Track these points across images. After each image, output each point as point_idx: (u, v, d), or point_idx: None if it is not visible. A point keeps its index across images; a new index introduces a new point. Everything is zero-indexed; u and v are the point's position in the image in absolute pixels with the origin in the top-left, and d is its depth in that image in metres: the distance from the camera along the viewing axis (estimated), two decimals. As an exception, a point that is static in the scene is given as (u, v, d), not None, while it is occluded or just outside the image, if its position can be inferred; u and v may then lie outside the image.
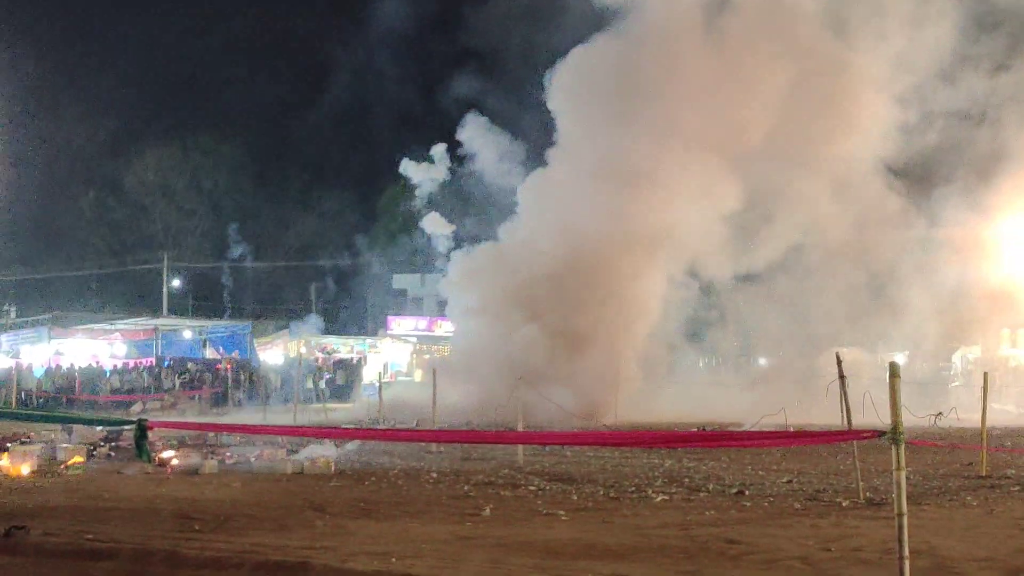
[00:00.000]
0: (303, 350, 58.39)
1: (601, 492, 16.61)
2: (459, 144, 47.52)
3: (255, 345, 55.08)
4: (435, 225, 50.99)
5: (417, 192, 52.38)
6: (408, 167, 51.62)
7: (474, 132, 46.26)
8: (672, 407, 37.82)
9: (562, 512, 14.45)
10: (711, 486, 17.42)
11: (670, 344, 44.46)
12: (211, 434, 24.65)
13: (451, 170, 51.08)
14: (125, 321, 55.26)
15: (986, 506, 15.17)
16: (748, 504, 15.48)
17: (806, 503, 15.55)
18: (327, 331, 65.24)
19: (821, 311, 43.97)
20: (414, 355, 64.22)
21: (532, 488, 17.03)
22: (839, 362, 16.72)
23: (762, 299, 44.53)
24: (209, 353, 54.50)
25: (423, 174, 51.54)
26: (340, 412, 38.86)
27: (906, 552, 8.52)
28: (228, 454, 21.27)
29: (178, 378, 47.25)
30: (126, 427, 17.21)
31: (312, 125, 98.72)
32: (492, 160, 45.79)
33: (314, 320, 64.52)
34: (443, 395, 27.06)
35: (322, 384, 45.85)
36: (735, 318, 47.80)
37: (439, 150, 51.16)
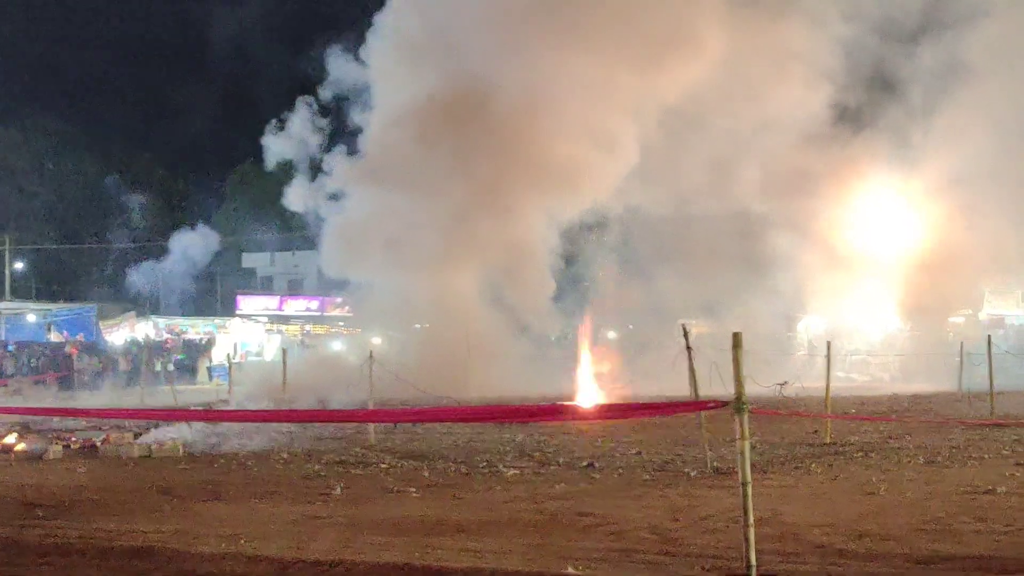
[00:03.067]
0: (151, 332, 57.52)
1: (452, 468, 16.65)
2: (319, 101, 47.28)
3: (101, 327, 54.11)
4: (299, 198, 49.32)
5: (277, 163, 50.69)
6: (269, 140, 50.09)
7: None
8: (522, 381, 37.96)
9: (413, 489, 14.46)
10: (562, 459, 17.56)
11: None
12: (56, 419, 24.18)
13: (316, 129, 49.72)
14: (-35, 305, 53.91)
15: (830, 473, 15.51)
16: (598, 476, 15.63)
17: (655, 474, 15.75)
18: (175, 312, 64.27)
19: (670, 283, 44.61)
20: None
21: (384, 466, 17.00)
22: (685, 334, 16.97)
23: (613, 270, 45.01)
24: (54, 337, 53.41)
25: (283, 143, 49.83)
26: (189, 394, 38.28)
27: (751, 520, 8.67)
28: (74, 439, 20.90)
29: (23, 363, 46.20)
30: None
31: (160, 106, 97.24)
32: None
33: (162, 301, 63.58)
34: (297, 374, 26.96)
35: (170, 366, 45.21)
36: (590, 289, 48.21)
37: (300, 111, 49.65)
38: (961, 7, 41.07)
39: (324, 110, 48.59)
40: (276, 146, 48.46)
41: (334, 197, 46.15)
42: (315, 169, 48.39)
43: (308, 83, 49.66)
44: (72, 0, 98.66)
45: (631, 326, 49.27)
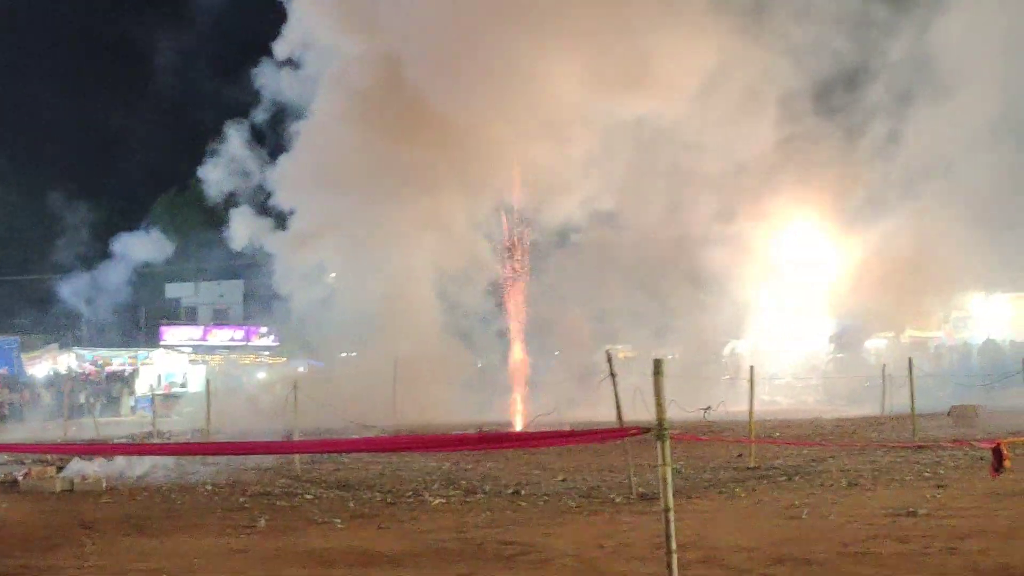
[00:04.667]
0: (73, 363, 56.86)
1: (378, 498, 16.61)
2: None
3: (23, 360, 53.43)
4: (243, 224, 48.17)
5: (214, 191, 49.49)
6: (207, 170, 48.95)
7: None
8: (449, 407, 37.95)
9: (338, 520, 14.40)
10: (488, 487, 17.57)
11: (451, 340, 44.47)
12: (-25, 454, 23.83)
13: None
14: None
15: (754, 496, 15.64)
16: (524, 504, 15.66)
17: (580, 501, 15.80)
18: (98, 343, 63.54)
19: (597, 308, 44.82)
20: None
21: (309, 497, 16.92)
22: (609, 359, 17.06)
23: (541, 294, 45.13)
24: (-26, 370, 52.67)
25: (218, 171, 48.61)
26: (112, 426, 37.88)
27: (674, 546, 8.69)
28: (-7, 473, 20.61)
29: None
30: None
31: (85, 134, 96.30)
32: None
33: (84, 332, 62.84)
34: (223, 404, 26.75)
35: (93, 398, 44.69)
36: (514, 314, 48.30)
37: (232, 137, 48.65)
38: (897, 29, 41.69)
39: (258, 135, 47.93)
40: (214, 175, 47.53)
41: (280, 221, 45.77)
42: (258, 201, 47.80)
43: (240, 108, 48.94)
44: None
45: (557, 352, 49.30)
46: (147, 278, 66.94)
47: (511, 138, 40.26)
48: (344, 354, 46.81)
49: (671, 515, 8.63)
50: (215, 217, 53.79)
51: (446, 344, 43.36)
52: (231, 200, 48.49)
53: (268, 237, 45.65)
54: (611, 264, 44.57)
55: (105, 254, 52.03)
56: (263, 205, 47.20)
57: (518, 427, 34.11)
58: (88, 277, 52.87)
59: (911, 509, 13.64)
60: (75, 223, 66.31)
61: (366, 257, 43.52)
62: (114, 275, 51.43)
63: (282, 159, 44.42)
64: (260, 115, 46.60)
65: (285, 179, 43.87)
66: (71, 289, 53.65)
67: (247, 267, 67.01)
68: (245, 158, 46.66)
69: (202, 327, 72.23)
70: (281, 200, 44.42)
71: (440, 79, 39.24)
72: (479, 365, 47.49)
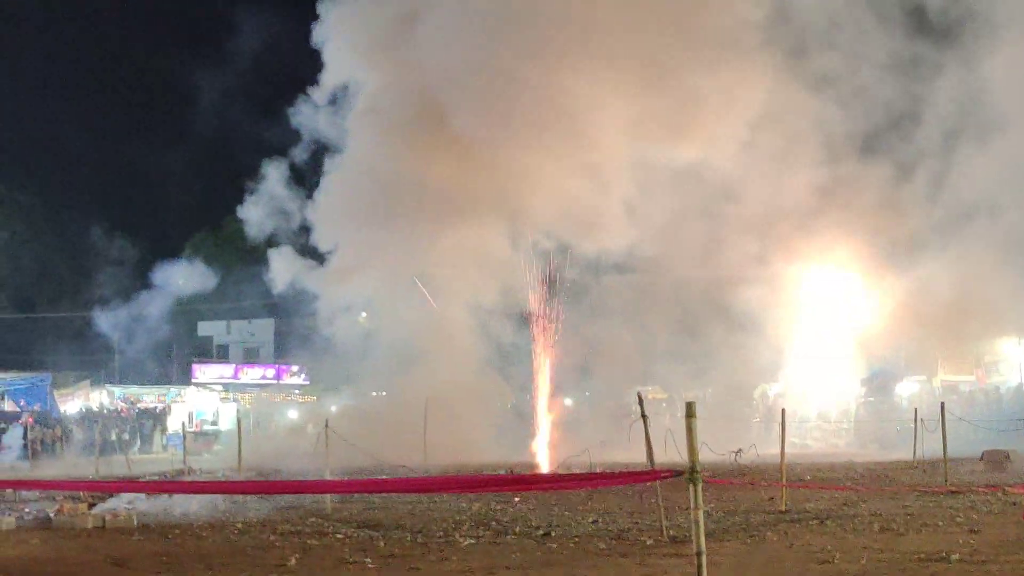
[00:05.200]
0: (105, 400, 57.08)
1: (408, 538, 16.59)
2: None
3: (56, 396, 53.67)
4: (283, 265, 47.82)
5: (254, 231, 49.09)
6: (247, 209, 48.62)
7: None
8: (480, 447, 37.92)
9: (369, 560, 14.40)
10: (518, 528, 17.53)
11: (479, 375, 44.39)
12: (9, 490, 23.92)
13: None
14: (-85, 376, 53.35)
15: (785, 540, 15.57)
16: (554, 546, 15.61)
17: (611, 543, 15.75)
18: (130, 381, 63.83)
19: (628, 349, 44.78)
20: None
21: (339, 536, 16.92)
22: (641, 402, 17.05)
23: (569, 336, 45.11)
24: (8, 406, 52.85)
25: (258, 210, 48.25)
26: (144, 463, 38.01)
27: (705, 589, 8.71)
28: (27, 509, 20.66)
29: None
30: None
31: (119, 173, 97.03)
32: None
33: (117, 370, 63.09)
34: (255, 443, 26.82)
35: (125, 435, 44.85)
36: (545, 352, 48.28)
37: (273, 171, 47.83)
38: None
39: (297, 175, 47.84)
40: (254, 214, 47.35)
41: (319, 259, 45.74)
42: (297, 242, 47.63)
43: (278, 147, 48.73)
44: (21, 64, 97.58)
45: (588, 392, 49.27)
46: (179, 316, 67.26)
47: (548, 172, 40.49)
48: (375, 393, 46.85)
49: (703, 559, 8.65)
50: (247, 256, 53.95)
51: (480, 380, 43.33)
52: (271, 240, 48.47)
53: (308, 275, 45.62)
54: (644, 305, 44.58)
55: (139, 290, 52.25)
56: (303, 245, 47.16)
57: (548, 468, 34.05)
58: (122, 313, 53.10)
59: (944, 554, 13.57)
60: (109, 260, 66.76)
61: (402, 292, 43.58)
62: (151, 308, 51.57)
63: (319, 193, 44.45)
64: (299, 154, 46.60)
65: (322, 214, 43.97)
66: (106, 324, 53.90)
67: (278, 306, 67.19)
68: (284, 197, 46.54)
69: (233, 365, 72.42)
70: (319, 237, 44.51)
71: (478, 110, 39.53)
72: (510, 405, 47.40)
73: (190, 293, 52.08)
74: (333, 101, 44.73)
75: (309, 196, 46.11)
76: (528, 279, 42.79)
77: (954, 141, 41.64)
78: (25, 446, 43.97)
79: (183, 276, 48.87)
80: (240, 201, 48.74)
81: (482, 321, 44.20)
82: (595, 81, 39.22)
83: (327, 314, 45.23)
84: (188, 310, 69.89)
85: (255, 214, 46.84)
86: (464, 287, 43.23)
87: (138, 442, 48.23)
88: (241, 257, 51.56)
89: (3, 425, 47.24)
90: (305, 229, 46.66)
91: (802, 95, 41.41)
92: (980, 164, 40.71)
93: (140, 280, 52.12)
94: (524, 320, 44.41)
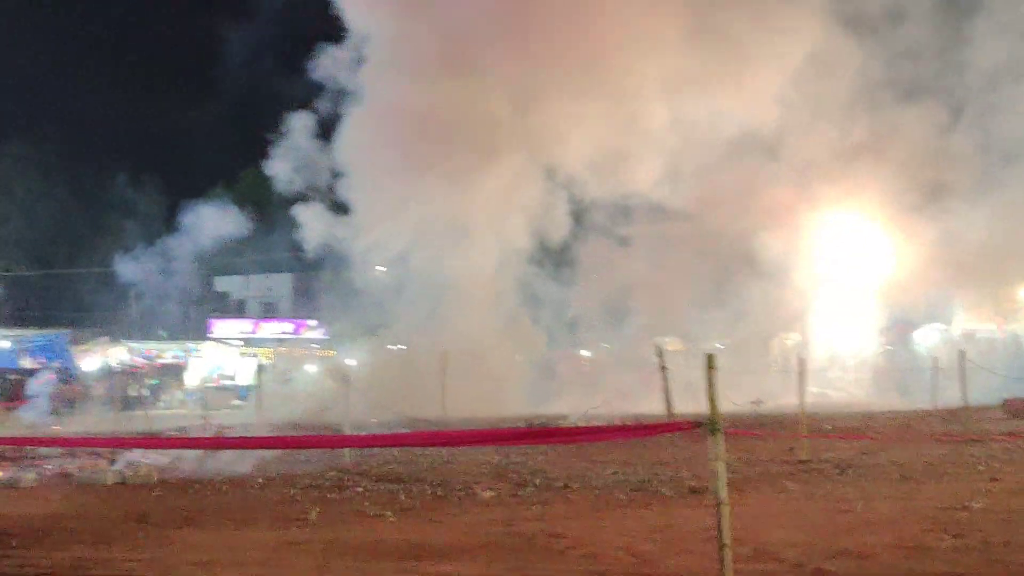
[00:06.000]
0: (124, 356, 57.28)
1: (428, 491, 16.60)
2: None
3: (74, 352, 53.86)
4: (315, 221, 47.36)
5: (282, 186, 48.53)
6: (275, 165, 48.04)
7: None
8: (498, 400, 37.92)
9: (389, 513, 14.41)
10: (538, 481, 17.52)
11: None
12: (29, 446, 24.01)
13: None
14: (-67, 332, 53.60)
15: (806, 491, 15.56)
16: (574, 498, 15.62)
17: (631, 494, 15.75)
18: (148, 336, 63.99)
19: (643, 300, 44.75)
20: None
21: (359, 490, 16.95)
22: (660, 354, 17.04)
23: (584, 288, 45.14)
24: (27, 363, 53.04)
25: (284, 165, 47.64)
26: (164, 419, 38.14)
27: (727, 540, 8.67)
28: (48, 466, 20.74)
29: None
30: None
31: (130, 126, 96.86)
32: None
33: (135, 325, 63.25)
34: (274, 398, 26.85)
35: (144, 391, 45.00)
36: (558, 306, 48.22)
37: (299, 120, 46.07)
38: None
39: (324, 128, 47.11)
40: (280, 169, 46.81)
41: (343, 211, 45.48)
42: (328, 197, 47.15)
43: (302, 101, 47.98)
44: (36, 20, 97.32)
45: (606, 345, 49.21)
46: (197, 271, 67.32)
47: (578, 116, 40.64)
48: (395, 347, 46.84)
49: (725, 509, 8.61)
50: (264, 211, 53.69)
51: (508, 330, 43.31)
52: (298, 196, 47.96)
53: (340, 229, 45.35)
54: (662, 255, 44.47)
55: (156, 246, 52.14)
56: (332, 201, 46.75)
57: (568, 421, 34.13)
58: (139, 268, 53.11)
59: (965, 503, 13.54)
60: (126, 216, 66.79)
61: (433, 239, 43.51)
62: (169, 262, 51.39)
63: (340, 138, 44.08)
64: (325, 107, 45.95)
65: (346, 158, 43.73)
66: (123, 280, 53.87)
67: (299, 260, 67.20)
68: (310, 149, 45.98)
69: (252, 320, 72.64)
70: (348, 184, 44.28)
71: (509, 52, 39.67)
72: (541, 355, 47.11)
73: (214, 242, 51.37)
74: (356, 53, 44.19)
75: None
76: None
77: (983, 92, 41.42)
78: (65, 399, 44.17)
79: (213, 219, 48.03)
80: (260, 156, 48.38)
81: (513, 269, 44.17)
82: (631, 27, 39.35)
83: (360, 264, 45.21)
84: (207, 265, 69.93)
85: (282, 168, 46.34)
86: (494, 233, 43.11)
87: (159, 397, 48.36)
88: (259, 211, 51.15)
89: (23, 378, 47.44)
90: (330, 189, 46.32)
91: (834, 41, 41.24)
92: (1007, 114, 40.54)
93: (157, 236, 51.92)
94: (556, 261, 44.47)
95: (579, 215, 44.69)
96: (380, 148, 42.55)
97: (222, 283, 79.88)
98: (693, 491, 15.49)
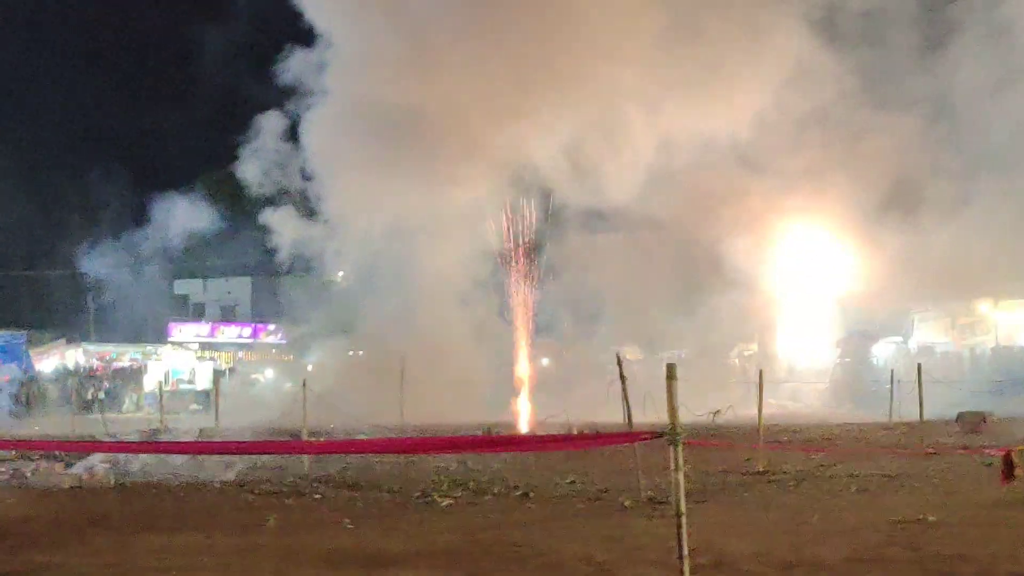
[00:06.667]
0: (80, 359, 56.93)
1: (387, 498, 16.60)
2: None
3: (31, 355, 53.51)
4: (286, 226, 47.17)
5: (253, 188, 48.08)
6: (244, 167, 47.65)
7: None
8: (457, 407, 37.87)
9: (347, 520, 14.38)
10: (496, 488, 17.55)
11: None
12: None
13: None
14: None
15: (763, 501, 15.64)
16: (533, 506, 15.66)
17: (590, 504, 15.79)
18: (105, 339, 63.57)
19: (605, 309, 44.90)
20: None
21: (317, 496, 16.94)
22: (619, 363, 17.04)
23: (548, 296, 45.23)
24: (-16, 364, 52.70)
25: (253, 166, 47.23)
26: (120, 423, 37.90)
27: (685, 551, 8.68)
28: (2, 469, 20.58)
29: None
30: None
31: (92, 127, 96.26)
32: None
33: (92, 328, 62.86)
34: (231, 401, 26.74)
35: (101, 394, 44.74)
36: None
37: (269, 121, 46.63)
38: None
39: (293, 131, 46.79)
40: (251, 172, 46.46)
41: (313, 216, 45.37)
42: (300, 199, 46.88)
43: (271, 103, 47.71)
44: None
45: (565, 353, 49.31)
46: (154, 275, 67.00)
47: (546, 119, 40.73)
48: (352, 352, 46.77)
49: (683, 520, 8.62)
50: (227, 213, 53.37)
51: (468, 337, 43.32)
52: (265, 200, 47.61)
53: (309, 231, 45.25)
54: (622, 264, 44.66)
55: (115, 248, 51.82)
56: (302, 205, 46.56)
57: (525, 429, 34.11)
58: (97, 270, 52.75)
59: (921, 516, 13.62)
60: (85, 218, 66.34)
61: (401, 239, 43.50)
62: (126, 266, 51.07)
63: (306, 135, 43.96)
64: (293, 109, 45.64)
65: (317, 161, 43.68)
66: (80, 283, 53.57)
67: (257, 265, 67.03)
68: (279, 151, 45.71)
69: (210, 324, 72.23)
70: (318, 188, 44.22)
71: (478, 51, 39.73)
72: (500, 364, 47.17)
73: (179, 238, 50.89)
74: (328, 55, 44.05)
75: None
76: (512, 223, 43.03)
77: (949, 109, 41.83)
78: (19, 402, 43.90)
79: (181, 212, 47.68)
80: (228, 160, 48.21)
81: (474, 275, 44.22)
82: (606, 34, 39.53)
83: (321, 268, 45.20)
84: (167, 268, 69.55)
85: (251, 170, 46.07)
86: (455, 240, 43.15)
87: (116, 400, 48.11)
88: (222, 214, 50.86)
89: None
90: (302, 194, 46.19)
91: (809, 55, 41.58)
92: (960, 131, 40.97)
93: (117, 238, 51.66)
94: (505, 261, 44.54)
95: (550, 218, 44.80)
96: (349, 149, 42.51)
97: (181, 286, 79.36)
98: (652, 501, 15.50)
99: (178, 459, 21.06)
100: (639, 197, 42.92)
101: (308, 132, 43.49)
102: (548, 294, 45.53)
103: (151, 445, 22.58)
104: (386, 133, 41.20)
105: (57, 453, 21.87)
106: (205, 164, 60.79)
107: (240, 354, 65.03)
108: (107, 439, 25.97)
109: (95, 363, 57.31)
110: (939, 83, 41.18)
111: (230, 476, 19.78)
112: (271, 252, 48.98)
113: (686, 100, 41.41)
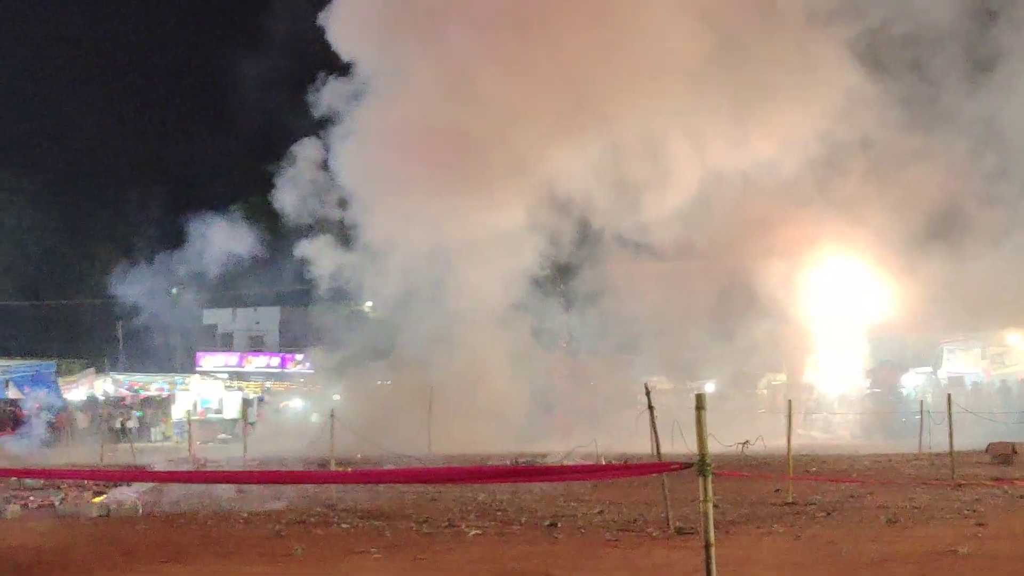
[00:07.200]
0: (110, 388, 57.10)
1: (414, 528, 16.56)
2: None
3: (60, 384, 53.66)
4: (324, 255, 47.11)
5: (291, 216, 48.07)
6: (279, 197, 47.71)
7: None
8: (484, 436, 37.83)
9: (375, 550, 14.36)
10: (524, 518, 17.50)
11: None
12: (13, 478, 23.90)
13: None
14: (-81, 362, 53.34)
15: (793, 532, 15.52)
16: (560, 536, 15.58)
17: (617, 533, 15.71)
18: (135, 368, 63.77)
19: (633, 338, 44.83)
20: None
21: (344, 526, 16.90)
22: (648, 393, 16.99)
23: (576, 325, 45.21)
24: (12, 393, 52.81)
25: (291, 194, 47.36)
26: (148, 452, 38.01)
27: (714, 582, 8.65)
28: (32, 498, 20.66)
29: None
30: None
31: (119, 159, 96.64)
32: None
33: (121, 357, 63.05)
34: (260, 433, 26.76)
35: (130, 423, 44.83)
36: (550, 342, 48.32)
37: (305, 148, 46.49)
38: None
39: (327, 158, 46.58)
40: (289, 199, 46.46)
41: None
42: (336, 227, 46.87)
43: (304, 133, 47.78)
44: (28, 47, 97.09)
45: (593, 382, 49.22)
46: (184, 304, 67.22)
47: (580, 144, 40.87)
48: (379, 382, 46.75)
49: (712, 550, 8.58)
50: (260, 242, 53.44)
51: (491, 368, 43.23)
52: (299, 229, 47.68)
53: (346, 259, 45.33)
54: (658, 292, 44.69)
55: (146, 278, 51.96)
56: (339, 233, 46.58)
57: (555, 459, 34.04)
58: (127, 301, 52.93)
59: (952, 548, 13.52)
60: (116, 249, 66.67)
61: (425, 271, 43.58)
62: (157, 295, 51.19)
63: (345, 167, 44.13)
64: (331, 137, 45.67)
65: (353, 187, 43.82)
66: (111, 312, 53.74)
67: (284, 294, 67.17)
68: (315, 179, 45.78)
69: (238, 354, 72.39)
70: (354, 214, 44.30)
71: (514, 75, 39.78)
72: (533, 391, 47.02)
73: (216, 263, 50.87)
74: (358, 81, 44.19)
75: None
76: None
77: (982, 140, 41.67)
78: (53, 430, 44.00)
79: (221, 235, 47.66)
80: (264, 189, 48.33)
81: (510, 301, 44.23)
82: (645, 60, 39.66)
83: (351, 298, 45.29)
84: (194, 298, 69.76)
85: (289, 199, 46.08)
86: (492, 265, 43.16)
87: (142, 430, 48.22)
88: (255, 242, 50.83)
89: (11, 409, 47.24)
90: (340, 223, 46.18)
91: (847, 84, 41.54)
92: (995, 160, 40.89)
93: (148, 268, 51.78)
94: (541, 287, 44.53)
95: (584, 246, 44.87)
96: (386, 175, 42.64)
97: (210, 316, 79.60)
98: (680, 532, 15.44)
99: (214, 488, 21.08)
100: (677, 225, 42.96)
101: (346, 159, 43.58)
102: (583, 322, 45.59)
103: (180, 475, 22.59)
104: (424, 158, 41.30)
105: (86, 482, 21.93)
106: (239, 192, 60.79)
107: (268, 384, 65.08)
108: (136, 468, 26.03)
109: (124, 392, 57.45)
110: (982, 108, 41.01)
111: (277, 506, 19.73)
112: (304, 281, 49.03)
113: (728, 128, 41.46)
